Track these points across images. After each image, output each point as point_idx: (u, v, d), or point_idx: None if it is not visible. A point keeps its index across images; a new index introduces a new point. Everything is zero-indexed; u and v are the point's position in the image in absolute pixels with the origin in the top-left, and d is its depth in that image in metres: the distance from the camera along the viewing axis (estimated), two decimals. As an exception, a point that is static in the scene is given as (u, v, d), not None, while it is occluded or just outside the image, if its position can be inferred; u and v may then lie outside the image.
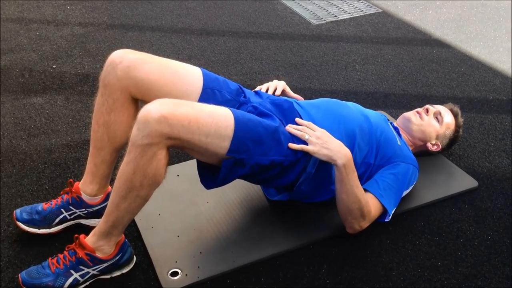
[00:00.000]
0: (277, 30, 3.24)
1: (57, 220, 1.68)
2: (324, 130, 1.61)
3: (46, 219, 1.67)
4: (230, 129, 1.42)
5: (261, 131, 1.49)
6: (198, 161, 1.54)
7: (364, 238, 1.69)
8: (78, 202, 1.69)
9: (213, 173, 1.53)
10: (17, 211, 1.69)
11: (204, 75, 1.65)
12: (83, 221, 1.72)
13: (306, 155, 1.57)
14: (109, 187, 1.72)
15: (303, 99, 1.88)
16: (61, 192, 1.72)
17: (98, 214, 1.68)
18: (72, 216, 1.70)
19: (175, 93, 1.58)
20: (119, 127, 1.61)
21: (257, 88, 1.89)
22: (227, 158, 1.44)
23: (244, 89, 1.74)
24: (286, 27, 3.29)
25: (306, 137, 1.57)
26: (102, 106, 1.60)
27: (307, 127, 1.61)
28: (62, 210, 1.68)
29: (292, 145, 1.55)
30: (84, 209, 1.70)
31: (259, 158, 1.48)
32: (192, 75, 1.64)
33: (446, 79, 2.69)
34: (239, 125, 1.44)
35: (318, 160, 1.58)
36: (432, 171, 1.98)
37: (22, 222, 1.67)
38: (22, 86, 2.59)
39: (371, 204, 1.65)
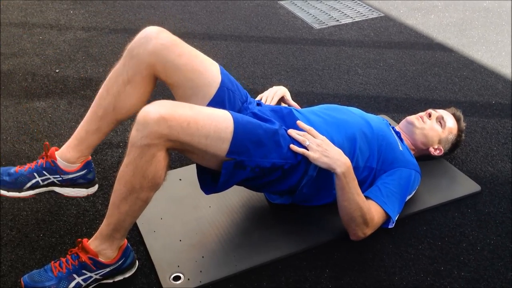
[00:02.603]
0: (279, 34, 3.25)
1: (28, 184, 1.62)
2: (324, 138, 1.61)
3: (17, 182, 1.61)
4: (230, 131, 1.42)
5: (260, 133, 1.49)
6: (198, 167, 1.55)
7: (367, 242, 1.69)
8: (53, 168, 1.62)
9: (213, 179, 1.53)
10: None
11: (222, 74, 1.65)
12: (56, 189, 1.66)
13: (307, 158, 1.58)
14: (89, 157, 1.69)
15: (300, 108, 1.88)
16: (38, 157, 1.66)
17: (72, 182, 1.63)
18: (45, 182, 1.64)
19: (197, 82, 1.58)
20: (130, 101, 1.61)
21: (258, 98, 1.89)
22: (227, 160, 1.44)
23: (249, 97, 1.74)
24: (288, 31, 3.29)
25: (307, 143, 1.57)
26: (119, 76, 1.60)
27: (308, 132, 1.61)
28: (35, 174, 1.62)
29: (294, 147, 1.55)
30: (58, 176, 1.63)
31: (259, 161, 1.49)
32: (213, 71, 1.63)
33: (448, 83, 2.69)
34: (239, 127, 1.44)
35: (319, 164, 1.58)
36: (435, 175, 1.98)
37: None
38: (25, 90, 2.60)
39: (374, 211, 1.65)
